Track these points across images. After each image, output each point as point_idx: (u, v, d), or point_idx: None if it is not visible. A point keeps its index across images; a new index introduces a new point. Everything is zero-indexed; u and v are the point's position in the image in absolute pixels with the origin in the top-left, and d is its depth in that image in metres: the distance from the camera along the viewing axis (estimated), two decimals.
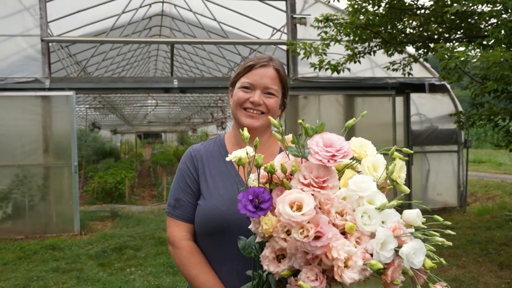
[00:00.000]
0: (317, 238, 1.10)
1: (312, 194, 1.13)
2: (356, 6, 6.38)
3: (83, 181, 13.84)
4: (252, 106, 1.62)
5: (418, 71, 9.08)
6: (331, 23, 6.54)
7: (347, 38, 6.81)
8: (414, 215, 1.21)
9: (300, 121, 1.20)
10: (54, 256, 6.68)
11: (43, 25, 7.79)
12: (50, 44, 8.17)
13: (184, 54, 13.78)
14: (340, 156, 1.11)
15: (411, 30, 7.05)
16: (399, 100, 9.10)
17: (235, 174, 1.64)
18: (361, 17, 6.21)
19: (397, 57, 7.81)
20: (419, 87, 9.04)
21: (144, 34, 12.47)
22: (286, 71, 8.01)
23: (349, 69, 7.09)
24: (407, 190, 1.29)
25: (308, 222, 1.11)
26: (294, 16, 8.40)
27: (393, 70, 7.83)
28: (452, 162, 9.56)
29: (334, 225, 1.16)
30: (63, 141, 7.85)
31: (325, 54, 6.84)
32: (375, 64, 9.26)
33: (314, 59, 7.12)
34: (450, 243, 1.36)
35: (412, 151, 1.30)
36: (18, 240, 7.49)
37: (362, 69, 9.09)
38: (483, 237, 7.20)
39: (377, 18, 6.27)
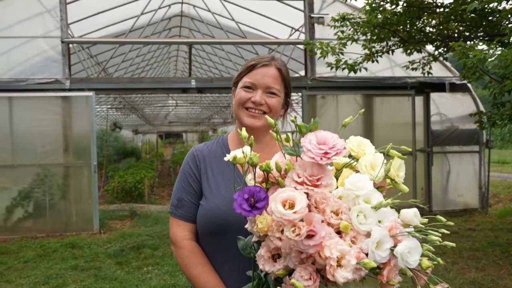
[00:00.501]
0: (310, 237, 1.09)
1: (307, 193, 1.12)
2: (374, 5, 6.33)
3: (104, 180, 14.01)
4: (253, 106, 1.62)
5: (438, 70, 8.96)
6: (347, 22, 6.49)
7: (364, 37, 6.75)
8: (411, 214, 1.19)
9: (292, 118, 1.19)
10: (73, 254, 6.77)
11: (63, 27, 7.92)
12: (71, 45, 8.31)
13: (204, 54, 13.85)
14: (333, 154, 1.10)
15: (431, 29, 6.96)
16: (419, 99, 8.99)
17: (237, 174, 1.64)
18: (379, 16, 6.14)
19: (416, 56, 7.72)
20: (439, 86, 8.92)
21: (164, 35, 12.56)
22: (304, 71, 7.97)
23: (366, 69, 7.04)
24: (406, 189, 1.27)
25: (302, 221, 1.11)
26: (312, 15, 8.37)
27: (412, 69, 7.75)
28: (473, 162, 9.40)
29: (329, 224, 1.15)
30: (83, 141, 7.96)
31: (342, 53, 6.80)
32: (395, 64, 9.18)
33: (332, 58, 7.08)
34: (453, 244, 1.33)
35: (410, 149, 1.28)
36: (39, 238, 7.62)
37: (381, 68, 9.01)
38: (505, 239, 7.06)
39: (395, 17, 6.20)
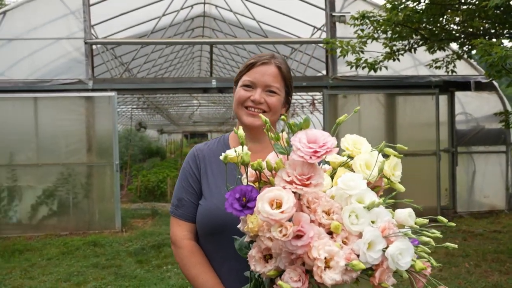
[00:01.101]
0: (299, 237, 1.07)
1: (295, 192, 1.10)
2: (395, 3, 6.23)
3: (128, 179, 14.19)
4: (253, 104, 1.60)
5: (463, 69, 8.78)
6: (367, 21, 6.40)
7: (384, 36, 6.65)
8: (405, 214, 1.16)
9: (283, 117, 1.17)
10: (95, 252, 6.87)
11: (86, 28, 8.04)
12: (96, 46, 8.44)
13: (226, 54, 13.88)
14: (323, 152, 1.07)
15: (454, 26, 6.81)
16: (443, 98, 8.81)
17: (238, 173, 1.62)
18: (399, 13, 6.04)
19: (440, 54, 7.57)
20: (464, 85, 8.72)
21: (186, 36, 12.63)
22: (326, 70, 7.89)
23: (386, 67, 6.93)
24: (402, 188, 1.24)
25: (290, 221, 1.09)
26: (333, 14, 8.29)
27: (436, 67, 7.61)
28: (500, 163, 9.17)
29: (320, 224, 1.13)
30: (105, 141, 8.08)
31: (362, 52, 6.71)
32: (419, 62, 9.03)
33: (353, 57, 7.00)
34: (455, 245, 1.29)
35: (406, 147, 1.24)
36: (62, 236, 7.75)
37: (405, 67, 8.88)
38: None
39: (417, 14, 6.08)
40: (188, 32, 12.66)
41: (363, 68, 6.83)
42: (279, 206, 1.07)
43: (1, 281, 5.70)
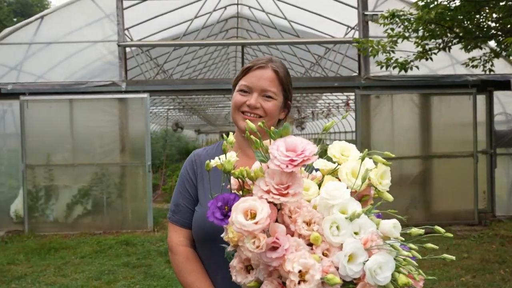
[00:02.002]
0: (274, 248, 1.04)
1: (271, 202, 1.06)
2: (427, 0, 6.05)
3: (164, 179, 14.37)
4: (249, 109, 1.57)
5: (503, 67, 8.45)
6: (397, 19, 6.24)
7: (415, 35, 6.48)
8: (390, 225, 1.10)
9: (260, 123, 1.14)
10: (127, 251, 6.98)
11: (120, 31, 8.19)
12: (131, 49, 8.59)
13: (260, 54, 13.88)
14: (299, 161, 1.04)
15: (492, 23, 6.57)
16: (481, 98, 8.52)
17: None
18: (432, 11, 5.86)
19: (477, 53, 7.32)
20: (503, 84, 8.37)
21: (220, 37, 12.70)
22: (358, 70, 7.72)
23: (417, 67, 6.74)
24: (390, 198, 1.19)
25: (267, 231, 1.06)
26: (366, 13, 8.14)
27: (473, 66, 7.35)
28: None
29: (300, 235, 1.10)
30: (138, 142, 8.22)
31: (393, 51, 6.56)
32: (456, 61, 8.75)
33: (384, 57, 6.85)
34: (453, 257, 1.23)
35: (393, 155, 1.19)
36: (96, 235, 7.92)
37: (442, 66, 8.64)
38: None
39: (450, 12, 5.89)
40: (223, 33, 12.72)
41: (394, 68, 6.68)
42: (253, 216, 1.04)
43: (36, 278, 5.88)
